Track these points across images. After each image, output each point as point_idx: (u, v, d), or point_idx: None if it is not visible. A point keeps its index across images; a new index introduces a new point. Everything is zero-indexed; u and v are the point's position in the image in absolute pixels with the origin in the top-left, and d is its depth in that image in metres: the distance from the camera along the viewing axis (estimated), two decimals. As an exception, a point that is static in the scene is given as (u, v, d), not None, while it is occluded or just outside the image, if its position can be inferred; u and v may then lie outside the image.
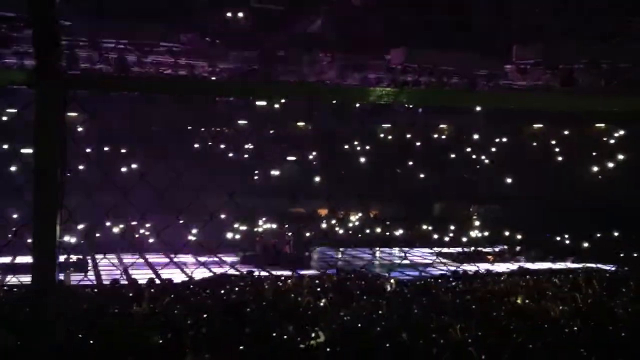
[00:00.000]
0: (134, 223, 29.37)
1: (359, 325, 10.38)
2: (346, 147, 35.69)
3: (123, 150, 32.53)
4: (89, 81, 2.54)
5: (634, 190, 28.94)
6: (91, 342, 8.25)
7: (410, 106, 35.20)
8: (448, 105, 2.95)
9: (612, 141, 36.01)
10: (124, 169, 30.97)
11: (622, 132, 35.80)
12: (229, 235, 30.82)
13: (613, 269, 23.86)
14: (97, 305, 11.74)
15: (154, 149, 31.04)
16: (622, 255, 26.93)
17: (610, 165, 34.70)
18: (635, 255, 27.56)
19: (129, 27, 25.07)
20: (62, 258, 2.57)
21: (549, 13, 25.13)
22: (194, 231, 29.88)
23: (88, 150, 30.05)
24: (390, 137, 37.54)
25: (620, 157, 34.34)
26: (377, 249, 31.04)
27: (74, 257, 23.65)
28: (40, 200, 2.35)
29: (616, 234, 30.89)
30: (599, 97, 2.82)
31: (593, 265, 23.95)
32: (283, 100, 34.25)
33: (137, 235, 29.42)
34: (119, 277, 17.91)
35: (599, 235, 30.99)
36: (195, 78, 26.19)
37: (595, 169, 35.20)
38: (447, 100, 3.06)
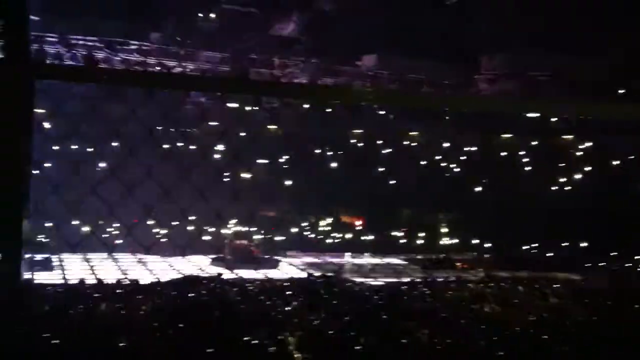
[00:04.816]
0: (101, 222, 28.88)
1: (329, 330, 10.31)
2: (318, 151, 35.71)
3: (90, 149, 32.03)
4: (57, 70, 2.46)
5: (601, 200, 29.41)
6: (56, 341, 8.05)
7: (382, 112, 35.43)
8: (423, 107, 2.94)
9: (578, 153, 36.52)
10: (91, 167, 30.55)
11: (588, 144, 36.32)
12: (198, 236, 30.52)
13: (578, 278, 24.15)
14: (63, 304, 11.50)
15: (122, 148, 30.63)
16: (588, 265, 27.28)
17: (577, 176, 35.20)
18: (601, 264, 27.94)
19: (98, 24, 24.79)
20: (26, 256, 2.47)
21: (516, 24, 25.49)
22: (163, 232, 29.55)
23: (55, 147, 29.58)
24: (360, 143, 37.65)
25: (588, 168, 34.85)
26: (348, 253, 31.04)
27: (38, 256, 23.16)
28: (6, 195, 2.25)
29: (584, 244, 31.30)
30: (557, 102, 2.82)
31: (560, 274, 24.17)
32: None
33: (105, 235, 28.92)
34: (85, 277, 17.58)
35: (565, 244, 31.41)
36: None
37: (563, 179, 35.67)
38: (422, 103, 3.05)
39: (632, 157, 32.30)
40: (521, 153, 37.24)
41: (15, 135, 2.18)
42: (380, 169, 36.59)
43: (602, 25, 23.97)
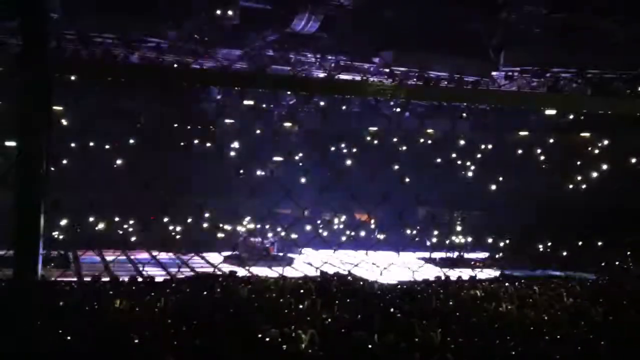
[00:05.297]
0: (117, 219, 29.02)
1: (341, 328, 10.32)
2: (333, 149, 35.65)
3: (107, 146, 32.15)
4: (75, 66, 2.47)
5: (616, 198, 29.15)
6: (68, 337, 8.13)
7: (398, 110, 35.32)
8: (443, 101, 2.94)
9: (596, 150, 36.24)
10: (108, 165, 30.65)
11: (606, 142, 36.02)
12: (212, 234, 30.67)
13: (594, 277, 23.97)
14: (77, 301, 11.60)
15: (139, 146, 30.82)
16: (602, 264, 27.08)
17: (594, 174, 34.93)
18: (616, 263, 27.74)
19: (116, 22, 24.79)
20: (43, 252, 2.48)
21: (537, 22, 25.28)
22: (178, 229, 29.69)
23: (72, 144, 29.76)
24: (376, 141, 37.55)
25: (604, 166, 34.56)
26: (362, 251, 30.93)
27: (54, 253, 23.36)
28: (24, 191, 2.26)
29: (599, 243, 31.04)
30: (578, 98, 2.81)
31: (574, 273, 24.02)
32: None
33: (120, 232, 29.09)
34: (99, 274, 17.70)
35: (580, 243, 31.16)
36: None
37: (579, 177, 35.42)
38: (442, 97, 3.04)
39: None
40: (538, 151, 37.02)
41: (34, 131, 2.19)
42: (396, 167, 36.51)
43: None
